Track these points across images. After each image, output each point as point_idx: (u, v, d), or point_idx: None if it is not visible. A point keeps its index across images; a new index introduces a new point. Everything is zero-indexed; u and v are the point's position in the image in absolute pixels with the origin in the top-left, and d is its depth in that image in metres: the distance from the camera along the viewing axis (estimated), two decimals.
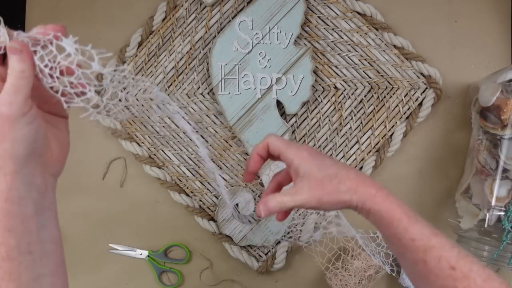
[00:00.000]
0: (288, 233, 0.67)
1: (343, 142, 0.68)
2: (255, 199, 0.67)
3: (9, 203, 0.33)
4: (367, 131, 0.68)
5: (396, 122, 0.68)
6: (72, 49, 0.32)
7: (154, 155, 0.69)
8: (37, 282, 0.34)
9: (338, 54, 0.68)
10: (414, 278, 0.42)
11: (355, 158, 0.68)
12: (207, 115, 0.69)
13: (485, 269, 0.38)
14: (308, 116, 0.69)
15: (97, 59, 0.32)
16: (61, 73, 0.33)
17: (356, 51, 0.68)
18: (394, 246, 0.41)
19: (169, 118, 0.67)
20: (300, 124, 0.69)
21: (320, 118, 0.69)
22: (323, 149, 0.68)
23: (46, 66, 0.32)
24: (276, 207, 0.43)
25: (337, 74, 0.69)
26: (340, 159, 0.68)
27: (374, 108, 0.68)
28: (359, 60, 0.68)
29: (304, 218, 0.67)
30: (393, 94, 0.68)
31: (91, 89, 0.33)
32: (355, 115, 0.68)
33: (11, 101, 0.31)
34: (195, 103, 0.70)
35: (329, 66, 0.69)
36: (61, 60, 0.32)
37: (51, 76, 0.33)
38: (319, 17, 0.69)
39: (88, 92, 0.33)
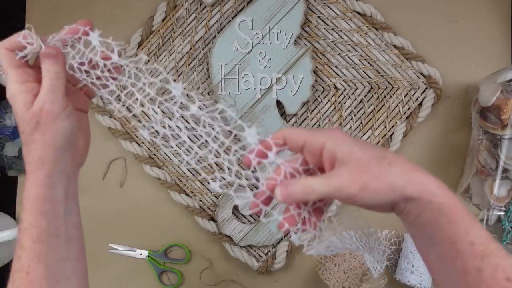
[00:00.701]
0: (288, 233, 0.67)
1: None
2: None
3: (45, 188, 0.36)
4: (367, 131, 0.68)
5: (396, 122, 0.68)
6: (97, 42, 0.36)
7: (154, 155, 0.69)
8: (62, 264, 0.38)
9: (338, 54, 0.68)
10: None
11: None
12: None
13: None
14: (308, 116, 0.69)
15: (116, 50, 0.37)
16: (92, 67, 0.38)
17: (356, 51, 0.68)
18: (443, 251, 0.33)
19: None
20: (300, 124, 0.69)
21: (320, 118, 0.69)
22: None
23: (82, 64, 0.37)
24: (299, 192, 0.32)
25: (337, 74, 0.69)
26: None
27: (374, 108, 0.68)
28: (359, 60, 0.68)
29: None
30: (393, 94, 0.68)
31: (112, 82, 0.38)
32: (355, 115, 0.68)
33: (53, 99, 0.35)
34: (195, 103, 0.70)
35: (329, 66, 0.69)
36: (90, 55, 0.37)
37: (85, 71, 0.37)
38: (319, 17, 0.69)
39: (110, 85, 0.38)
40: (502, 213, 0.57)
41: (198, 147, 0.40)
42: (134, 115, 0.70)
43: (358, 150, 0.33)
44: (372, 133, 0.68)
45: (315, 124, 0.69)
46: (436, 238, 0.33)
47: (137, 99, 0.38)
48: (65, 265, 0.38)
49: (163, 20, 0.70)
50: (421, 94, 0.68)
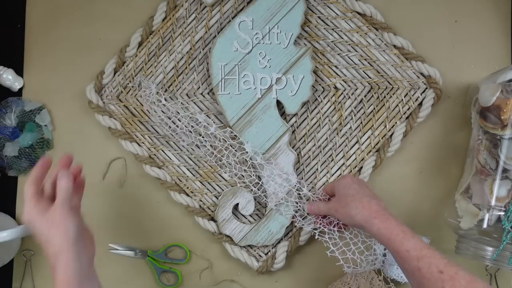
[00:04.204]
0: (296, 214, 0.67)
1: (343, 142, 0.68)
2: (255, 199, 0.68)
3: (64, 272, 0.47)
4: (367, 131, 0.68)
5: (396, 122, 0.68)
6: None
7: (154, 155, 0.69)
8: None
9: (338, 54, 0.68)
10: (414, 286, 0.49)
11: (355, 158, 0.68)
12: (207, 115, 0.69)
13: (470, 274, 0.44)
14: (308, 116, 0.69)
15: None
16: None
17: (356, 51, 0.68)
18: (396, 259, 0.49)
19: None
20: (300, 124, 0.69)
21: (320, 118, 0.69)
22: (323, 149, 0.68)
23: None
24: (314, 209, 0.62)
25: (337, 74, 0.69)
26: (340, 159, 0.68)
27: (374, 108, 0.68)
28: (359, 60, 0.68)
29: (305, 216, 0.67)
30: (393, 94, 0.68)
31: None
32: (355, 115, 0.68)
33: (63, 204, 0.50)
34: (195, 103, 0.70)
35: (329, 66, 0.69)
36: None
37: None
38: (319, 17, 0.69)
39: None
40: (502, 213, 0.57)
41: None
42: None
43: (341, 188, 0.57)
44: (372, 133, 0.68)
45: (315, 124, 0.69)
46: (390, 250, 0.50)
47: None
48: None
49: (163, 20, 0.70)
50: (421, 94, 0.68)
